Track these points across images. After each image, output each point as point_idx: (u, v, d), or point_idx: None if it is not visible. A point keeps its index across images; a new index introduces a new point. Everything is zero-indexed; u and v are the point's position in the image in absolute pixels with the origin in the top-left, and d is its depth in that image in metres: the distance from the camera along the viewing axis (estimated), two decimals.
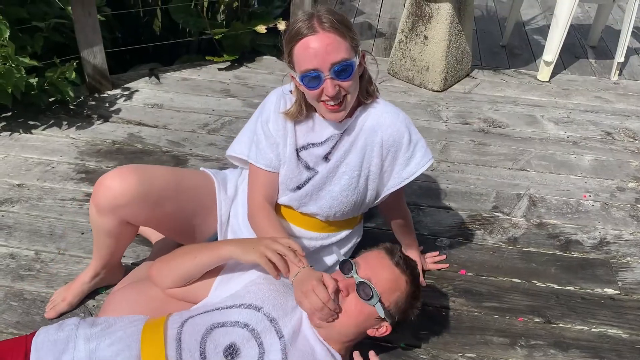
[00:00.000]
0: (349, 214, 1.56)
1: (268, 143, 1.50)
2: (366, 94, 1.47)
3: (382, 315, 1.30)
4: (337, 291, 1.29)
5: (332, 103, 1.36)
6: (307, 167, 1.51)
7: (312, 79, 1.33)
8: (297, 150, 1.50)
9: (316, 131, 1.50)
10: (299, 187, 1.52)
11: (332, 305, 1.26)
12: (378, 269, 1.33)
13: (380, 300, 1.30)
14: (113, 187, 1.42)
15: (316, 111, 1.48)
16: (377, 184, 1.53)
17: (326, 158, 1.50)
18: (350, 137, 1.48)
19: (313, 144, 1.50)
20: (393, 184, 1.53)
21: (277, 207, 1.58)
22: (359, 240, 1.72)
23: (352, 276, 1.31)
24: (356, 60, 1.35)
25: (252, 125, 1.58)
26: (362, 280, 1.30)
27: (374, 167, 1.50)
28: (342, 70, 1.32)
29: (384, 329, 1.35)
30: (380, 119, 1.47)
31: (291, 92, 1.50)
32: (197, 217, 1.59)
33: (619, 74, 3.28)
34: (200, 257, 1.38)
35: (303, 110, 1.46)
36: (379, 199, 1.57)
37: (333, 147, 1.49)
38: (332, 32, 1.30)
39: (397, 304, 1.33)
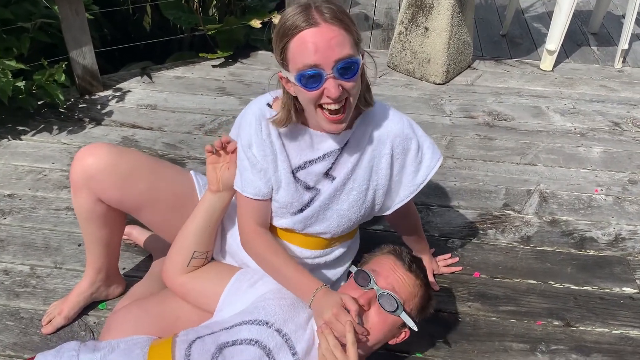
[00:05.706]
0: (353, 227, 1.46)
1: (254, 171, 1.33)
2: (364, 102, 1.30)
3: (413, 326, 1.27)
4: (361, 312, 1.22)
5: (333, 107, 1.18)
6: (307, 188, 1.36)
7: (311, 77, 1.14)
8: (292, 172, 1.35)
9: (311, 147, 1.34)
10: (301, 210, 1.38)
11: (359, 328, 1.19)
12: (395, 277, 1.29)
13: (404, 309, 1.26)
14: (84, 160, 1.40)
15: (306, 123, 1.32)
16: (385, 195, 1.42)
17: (327, 174, 1.36)
18: (354, 151, 1.34)
19: (310, 162, 1.35)
20: (407, 193, 1.42)
21: (274, 230, 1.44)
22: (357, 250, 1.61)
23: (372, 287, 1.26)
24: (361, 59, 1.19)
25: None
26: (384, 291, 1.25)
27: (382, 178, 1.38)
28: (346, 68, 1.15)
29: (404, 334, 1.32)
30: (387, 128, 1.35)
31: (269, 105, 1.35)
32: (175, 212, 1.47)
33: (623, 62, 3.21)
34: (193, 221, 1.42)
35: (292, 117, 1.28)
36: (391, 209, 1.46)
37: (334, 163, 1.35)
38: (336, 24, 1.13)
39: (417, 307, 1.32)
